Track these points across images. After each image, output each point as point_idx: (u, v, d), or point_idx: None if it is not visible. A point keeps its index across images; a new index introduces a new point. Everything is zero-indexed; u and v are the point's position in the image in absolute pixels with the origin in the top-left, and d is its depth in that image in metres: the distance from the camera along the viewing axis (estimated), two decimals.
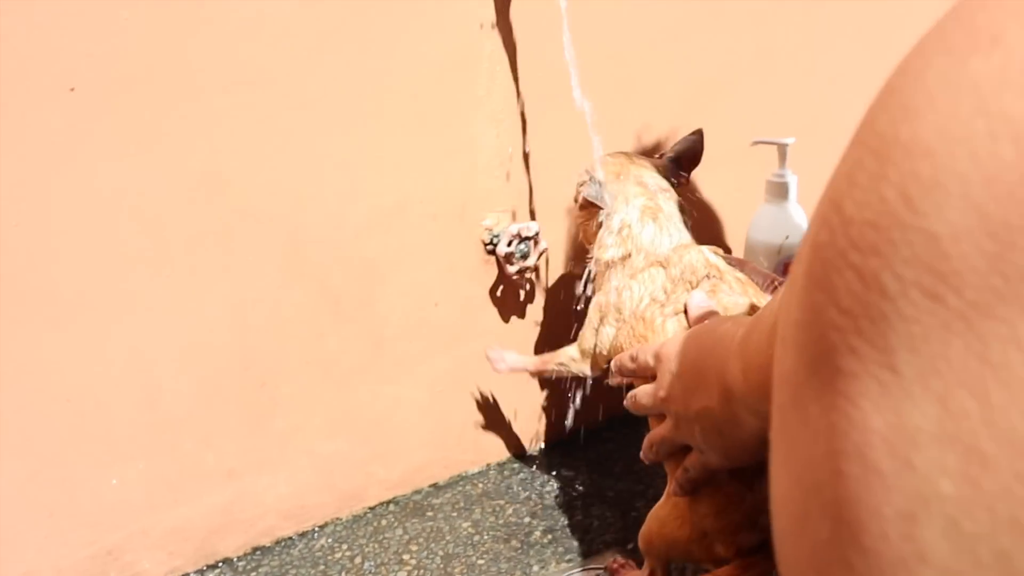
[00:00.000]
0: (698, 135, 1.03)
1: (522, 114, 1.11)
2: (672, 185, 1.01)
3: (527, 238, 1.10)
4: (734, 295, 0.88)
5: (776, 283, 0.92)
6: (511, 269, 1.11)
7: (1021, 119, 0.20)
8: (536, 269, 1.13)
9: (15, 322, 0.89)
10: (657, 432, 0.81)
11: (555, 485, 1.19)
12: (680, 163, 1.03)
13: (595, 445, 1.27)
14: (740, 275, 0.91)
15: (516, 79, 1.09)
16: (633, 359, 0.84)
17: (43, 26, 0.82)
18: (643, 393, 0.81)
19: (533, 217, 1.14)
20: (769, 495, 0.28)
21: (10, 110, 0.83)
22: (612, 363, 0.90)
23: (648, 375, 0.82)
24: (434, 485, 1.21)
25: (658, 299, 0.90)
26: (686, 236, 0.97)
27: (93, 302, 0.93)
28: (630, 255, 0.95)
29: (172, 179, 0.93)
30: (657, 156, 1.06)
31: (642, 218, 0.96)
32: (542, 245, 1.12)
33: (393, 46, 1.00)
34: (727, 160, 1.16)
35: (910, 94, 0.23)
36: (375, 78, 1.00)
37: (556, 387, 1.20)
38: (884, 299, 0.22)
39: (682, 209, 0.99)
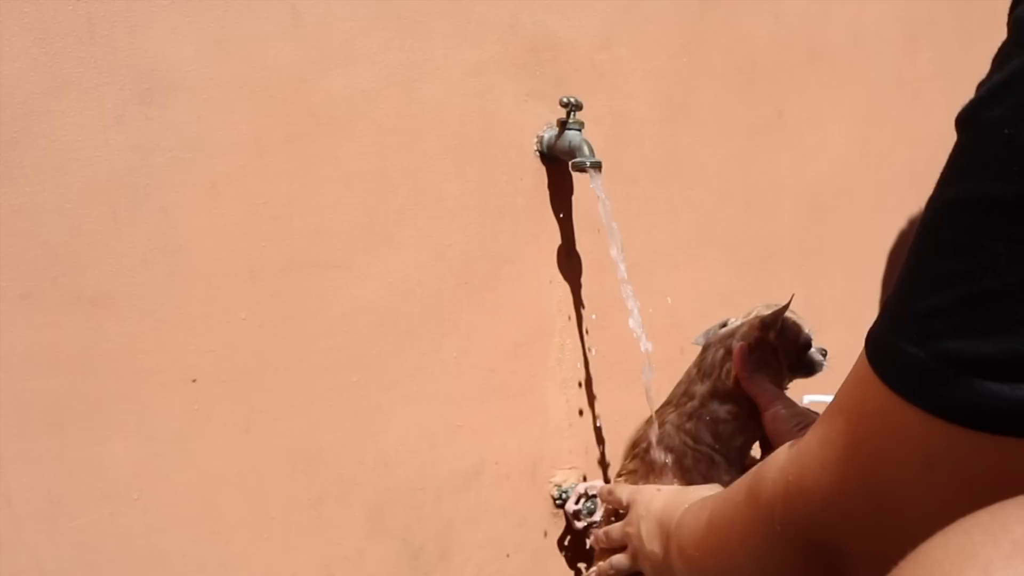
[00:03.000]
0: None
1: (588, 381, 1.21)
2: None
3: (593, 496, 1.18)
4: None
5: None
6: (578, 525, 1.18)
7: None
8: (601, 525, 1.20)
9: None
10: (618, 559, 1.01)
11: None
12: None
13: None
14: None
15: (584, 349, 1.19)
16: (610, 492, 1.08)
17: (170, 324, 0.96)
18: (615, 528, 1.02)
19: (599, 476, 1.23)
20: None
21: (140, 398, 0.96)
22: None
23: (618, 509, 1.05)
24: None
25: None
26: None
27: (197, 565, 1.03)
28: None
29: (274, 454, 1.04)
30: None
31: None
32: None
33: (474, 328, 1.12)
34: None
35: None
36: (457, 357, 1.12)
37: None
38: None
39: None
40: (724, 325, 1.12)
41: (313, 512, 1.08)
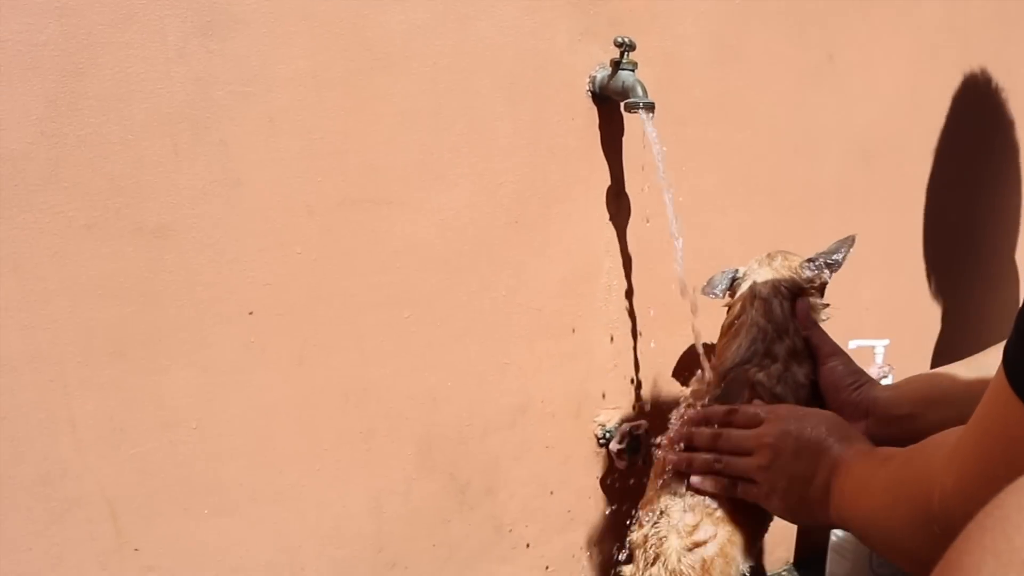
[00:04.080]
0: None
1: (634, 322, 1.22)
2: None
3: (637, 435, 1.19)
4: None
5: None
6: (622, 464, 1.20)
7: None
8: (645, 463, 1.22)
9: (186, 510, 1.02)
10: (751, 463, 0.94)
11: None
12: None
13: None
14: None
15: (630, 292, 1.20)
16: (733, 411, 0.99)
17: (228, 257, 0.97)
18: (741, 435, 0.95)
19: (643, 415, 1.24)
20: None
21: (199, 329, 0.97)
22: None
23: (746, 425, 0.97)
24: None
25: None
26: None
27: (252, 492, 1.05)
28: None
29: (326, 388, 1.06)
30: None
31: None
32: (652, 440, 1.21)
33: (524, 267, 1.13)
34: None
35: None
36: (506, 295, 1.13)
37: None
38: None
39: None
40: (735, 276, 1.12)
41: (363, 445, 1.10)
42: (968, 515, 0.59)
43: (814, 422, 0.91)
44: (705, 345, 1.09)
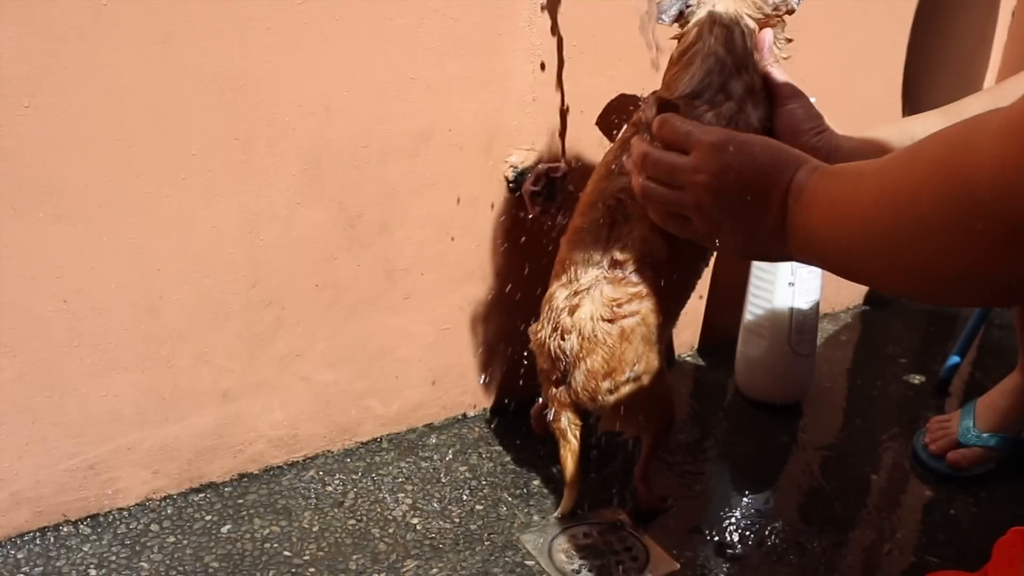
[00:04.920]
0: None
1: (560, 52, 1.06)
2: None
3: (554, 178, 1.06)
4: None
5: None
6: (535, 210, 1.07)
7: None
8: (560, 211, 1.09)
9: (15, 211, 0.83)
10: (683, 198, 0.78)
11: None
12: None
13: None
14: None
15: (556, 17, 1.04)
16: (665, 123, 0.81)
17: None
18: (670, 163, 0.79)
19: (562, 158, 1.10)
20: None
21: None
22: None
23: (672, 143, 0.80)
24: (429, 425, 1.18)
25: None
26: None
27: (100, 198, 0.87)
28: None
29: (197, 77, 0.87)
30: None
31: None
32: (570, 187, 1.08)
33: None
34: None
35: None
36: None
37: None
38: None
39: None
40: (688, 1, 0.96)
41: (240, 155, 0.92)
42: None
43: (759, 148, 0.76)
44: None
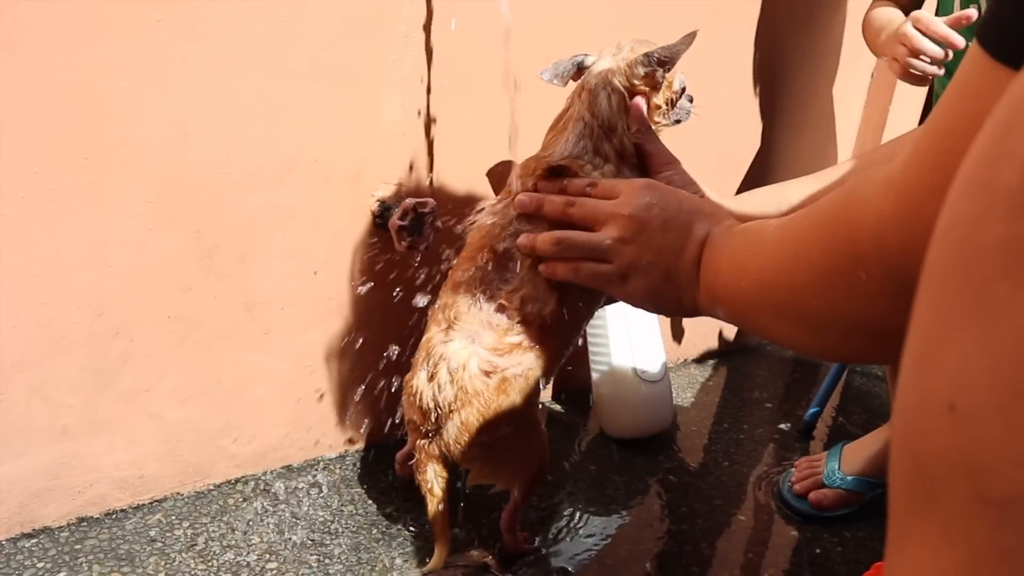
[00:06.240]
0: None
1: (429, 87, 1.06)
2: None
3: (422, 212, 1.04)
4: None
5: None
6: (402, 245, 1.05)
7: None
8: (428, 248, 1.07)
9: None
10: (603, 237, 0.81)
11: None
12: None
13: None
14: None
15: (429, 50, 1.04)
16: (593, 185, 0.85)
17: None
18: (597, 206, 0.83)
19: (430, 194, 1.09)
20: None
21: None
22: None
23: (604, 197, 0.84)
24: (288, 467, 1.13)
25: None
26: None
27: None
28: None
29: (42, 89, 0.82)
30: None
31: None
32: (437, 223, 1.06)
33: None
34: None
35: None
36: (286, 21, 0.93)
37: None
38: None
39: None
40: (581, 64, 0.97)
41: (88, 176, 0.88)
42: (910, 239, 0.48)
43: (685, 195, 0.81)
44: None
